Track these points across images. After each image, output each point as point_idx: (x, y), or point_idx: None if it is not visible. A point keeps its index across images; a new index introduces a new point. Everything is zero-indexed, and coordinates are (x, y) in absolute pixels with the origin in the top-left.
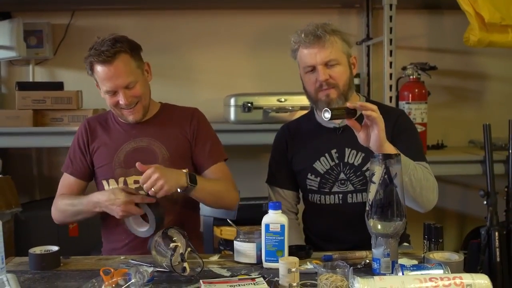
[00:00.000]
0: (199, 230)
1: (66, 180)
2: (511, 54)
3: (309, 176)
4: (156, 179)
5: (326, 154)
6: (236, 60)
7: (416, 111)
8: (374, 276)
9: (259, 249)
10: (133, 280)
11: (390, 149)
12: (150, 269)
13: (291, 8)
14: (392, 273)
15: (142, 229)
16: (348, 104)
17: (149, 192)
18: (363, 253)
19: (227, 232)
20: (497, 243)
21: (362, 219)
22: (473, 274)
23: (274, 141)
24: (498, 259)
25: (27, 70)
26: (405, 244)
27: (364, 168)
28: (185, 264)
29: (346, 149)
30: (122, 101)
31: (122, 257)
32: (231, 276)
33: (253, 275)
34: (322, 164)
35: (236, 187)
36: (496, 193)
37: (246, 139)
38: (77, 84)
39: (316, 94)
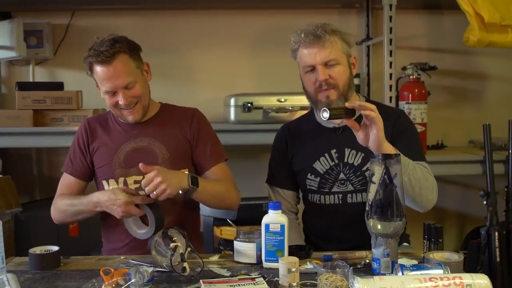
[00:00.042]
0: (199, 230)
1: (66, 180)
2: (511, 54)
3: (309, 176)
4: (158, 183)
5: (326, 154)
6: (236, 60)
7: (416, 111)
8: (374, 276)
9: (259, 249)
10: (133, 280)
11: (389, 148)
12: (150, 269)
13: (291, 8)
14: (392, 273)
15: (141, 231)
16: (347, 104)
17: (151, 195)
18: (363, 253)
19: (227, 232)
20: (497, 243)
21: (362, 219)
22: (473, 274)
23: (274, 141)
24: (498, 259)
25: (27, 70)
26: (405, 244)
27: (364, 168)
28: (185, 264)
29: (346, 149)
30: (121, 101)
31: (122, 257)
32: (231, 276)
33: (253, 275)
34: (322, 164)
35: (236, 187)
36: (496, 193)
37: (246, 139)
38: (77, 84)
39: (316, 95)
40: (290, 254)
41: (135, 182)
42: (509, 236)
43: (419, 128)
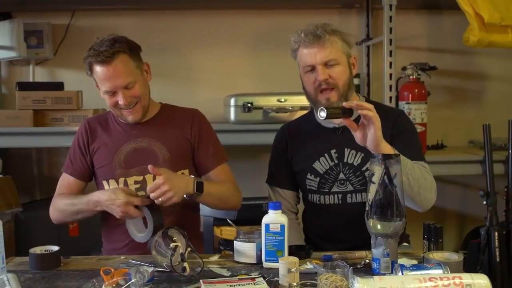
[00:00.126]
0: (199, 230)
1: (66, 180)
2: (511, 54)
3: (308, 176)
4: (165, 191)
5: (326, 154)
6: (236, 60)
7: (416, 111)
8: (374, 276)
9: (259, 249)
10: (133, 280)
11: (387, 148)
12: (150, 269)
13: (291, 8)
14: (391, 273)
15: (140, 234)
16: (344, 104)
17: (156, 201)
18: (362, 253)
19: (227, 232)
20: (496, 243)
21: (361, 219)
22: (473, 274)
23: (274, 141)
24: (497, 259)
25: (28, 70)
26: (404, 244)
27: (364, 168)
28: (185, 264)
29: (346, 149)
30: (121, 101)
31: (122, 257)
32: (231, 276)
33: (253, 275)
34: (321, 164)
35: (238, 187)
36: (496, 193)
37: (246, 139)
38: (77, 84)
39: (316, 95)
40: (290, 254)
41: (136, 182)
42: (509, 236)
43: (419, 128)
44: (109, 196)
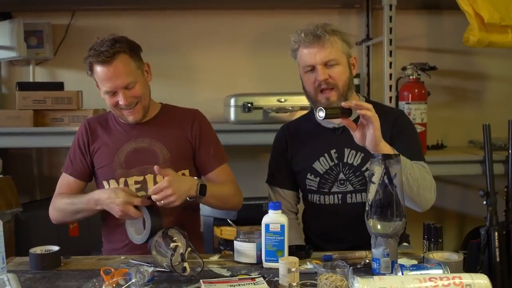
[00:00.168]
0: (199, 230)
1: (66, 180)
2: (511, 54)
3: (308, 176)
4: (168, 195)
5: (326, 154)
6: (236, 60)
7: (416, 111)
8: (374, 276)
9: (259, 249)
10: (133, 280)
11: (386, 148)
12: (151, 269)
13: (291, 8)
14: (391, 273)
15: (137, 236)
16: (343, 104)
17: (157, 203)
18: (362, 253)
19: (227, 232)
20: (496, 243)
21: (361, 219)
22: (473, 274)
23: (274, 141)
24: (497, 259)
25: (28, 70)
26: (404, 244)
27: (364, 168)
28: (185, 264)
29: (346, 149)
30: (121, 102)
31: (122, 257)
32: (231, 276)
33: (253, 275)
34: (321, 164)
35: (239, 188)
36: (496, 193)
37: (246, 139)
38: (78, 84)
39: (316, 95)
40: (290, 254)
41: (136, 182)
42: (509, 236)
43: (419, 128)
44: (109, 194)
